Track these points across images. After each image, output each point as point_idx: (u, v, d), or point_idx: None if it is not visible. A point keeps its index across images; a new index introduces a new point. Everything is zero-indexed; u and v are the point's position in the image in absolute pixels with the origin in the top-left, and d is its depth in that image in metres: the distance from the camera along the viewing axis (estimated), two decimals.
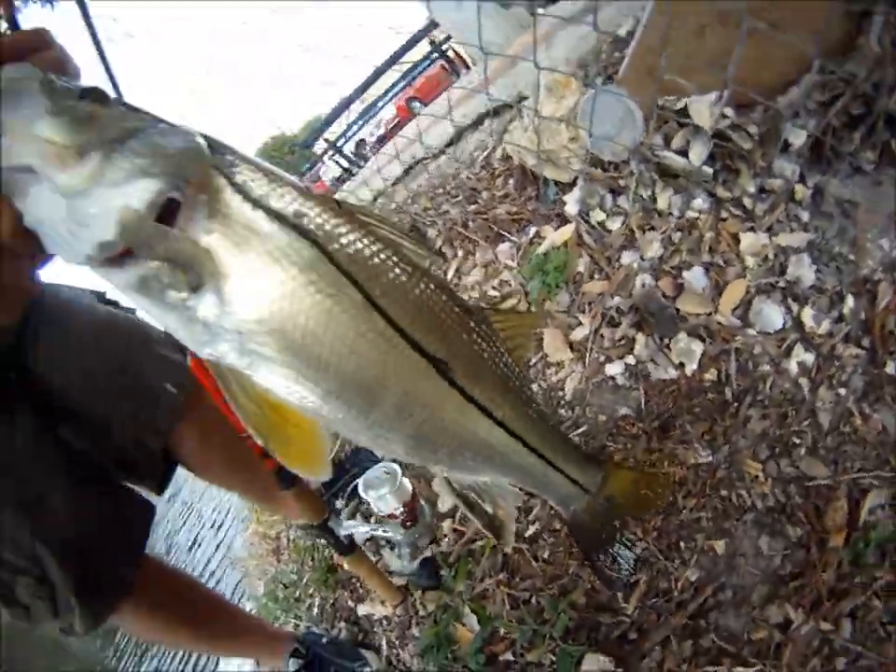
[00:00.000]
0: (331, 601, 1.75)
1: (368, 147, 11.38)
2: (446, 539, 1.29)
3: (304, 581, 2.00)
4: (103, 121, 0.44)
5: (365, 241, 0.47)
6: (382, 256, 0.48)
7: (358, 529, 1.26)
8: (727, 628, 0.80)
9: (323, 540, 1.71)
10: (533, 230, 1.64)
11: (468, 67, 7.65)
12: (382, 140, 11.61)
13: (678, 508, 0.93)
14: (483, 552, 1.19)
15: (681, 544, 0.90)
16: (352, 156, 9.94)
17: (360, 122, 10.68)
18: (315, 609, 1.83)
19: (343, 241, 0.46)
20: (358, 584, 1.65)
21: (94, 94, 0.45)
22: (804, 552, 0.79)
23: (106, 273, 0.45)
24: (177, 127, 0.47)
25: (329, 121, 9.26)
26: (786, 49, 1.03)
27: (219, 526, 4.05)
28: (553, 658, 0.94)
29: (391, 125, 12.13)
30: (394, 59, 7.45)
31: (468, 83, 1.80)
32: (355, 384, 0.47)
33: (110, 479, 1.23)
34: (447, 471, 0.57)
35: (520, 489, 0.60)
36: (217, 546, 3.85)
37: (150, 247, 0.43)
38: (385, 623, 1.43)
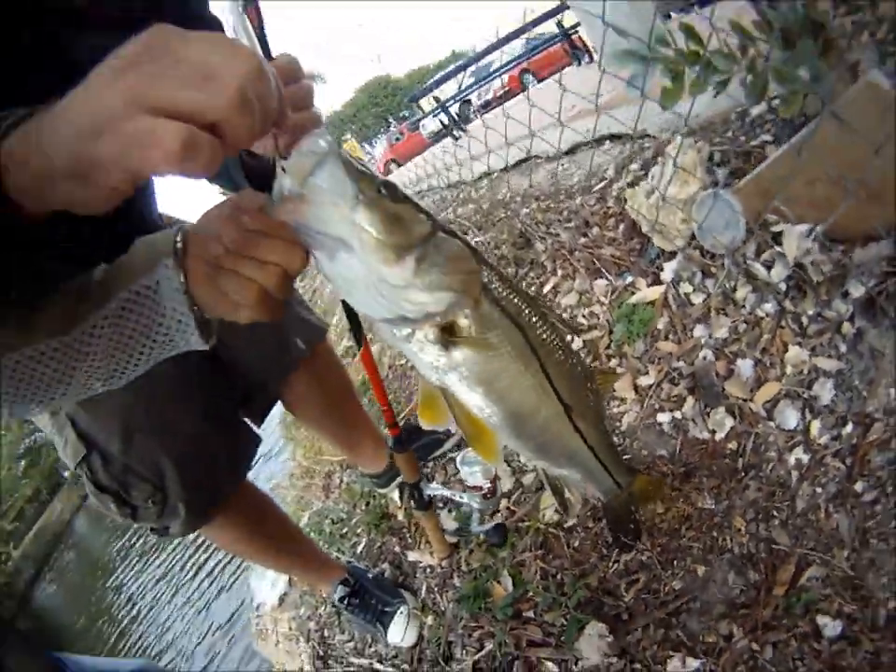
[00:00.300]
0: (378, 544, 2.20)
1: (473, 110, 11.75)
2: (500, 514, 1.79)
3: (354, 521, 2.46)
4: (406, 223, 0.62)
5: (545, 328, 0.75)
6: (552, 337, 0.76)
7: (441, 492, 1.76)
8: (689, 628, 1.26)
9: (382, 490, 2.23)
10: (629, 278, 2.06)
11: (590, 57, 7.91)
12: (487, 105, 12.01)
13: (679, 535, 1.38)
14: (528, 530, 1.67)
15: (675, 562, 1.36)
16: (455, 116, 10.32)
17: (473, 88, 11.09)
18: (360, 548, 2.27)
19: (537, 330, 0.74)
20: (408, 534, 2.16)
21: (388, 189, 0.62)
22: (755, 591, 1.23)
23: (382, 323, 0.67)
24: (450, 238, 0.67)
25: (441, 81, 9.67)
26: (879, 212, 1.42)
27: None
28: (564, 622, 1.42)
29: (500, 93, 12.45)
30: (519, 32, 7.75)
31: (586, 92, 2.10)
32: (522, 415, 0.76)
33: (232, 412, 1.56)
34: (547, 467, 0.92)
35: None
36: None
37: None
38: (428, 570, 1.90)
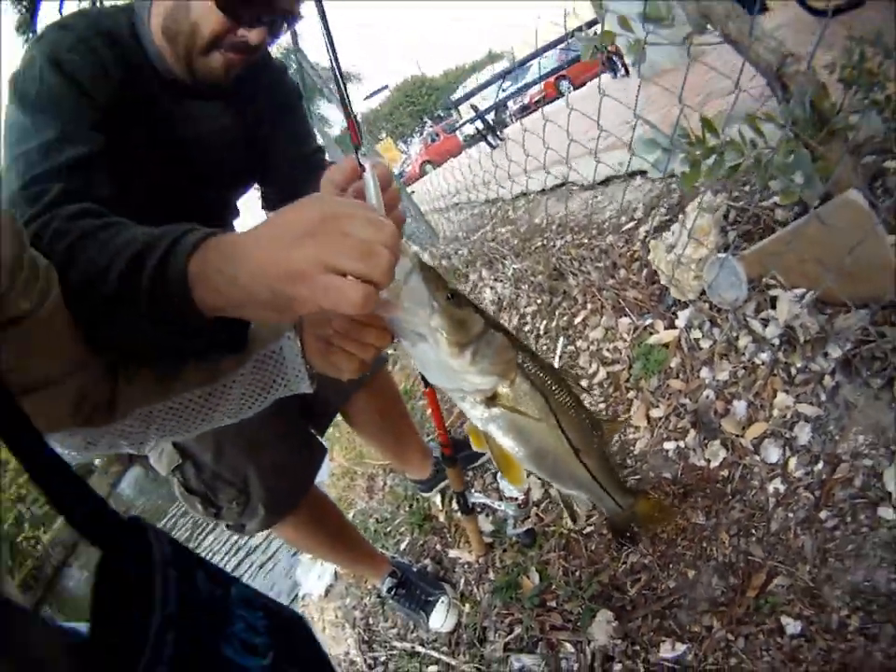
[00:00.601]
0: (421, 542, 2.50)
1: (509, 114, 12.06)
2: (530, 520, 2.12)
3: (397, 521, 2.76)
4: (466, 325, 0.79)
5: (561, 392, 0.91)
6: (566, 399, 0.92)
7: (483, 500, 2.10)
8: (679, 619, 1.58)
9: (425, 494, 2.56)
10: (649, 320, 2.36)
11: (626, 70, 8.16)
12: (524, 109, 12.30)
13: (676, 544, 1.69)
14: (553, 534, 2.01)
15: (671, 565, 1.66)
16: (492, 122, 10.65)
17: (511, 95, 11.40)
18: (404, 545, 2.57)
19: (555, 395, 0.90)
20: (448, 534, 2.48)
21: (455, 297, 0.78)
22: (733, 593, 1.53)
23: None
24: (497, 333, 0.82)
25: (482, 87, 10.01)
26: (854, 289, 1.69)
27: None
28: (580, 610, 1.75)
29: (536, 97, 12.69)
30: (556, 42, 8.03)
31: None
32: (541, 454, 0.94)
33: (303, 426, 1.82)
34: (561, 488, 1.11)
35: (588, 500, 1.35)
36: None
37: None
38: (466, 566, 2.22)
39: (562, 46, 9.07)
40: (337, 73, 1.34)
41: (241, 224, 1.73)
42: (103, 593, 0.48)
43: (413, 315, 0.75)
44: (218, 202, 1.61)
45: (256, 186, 1.70)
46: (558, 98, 10.79)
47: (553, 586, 1.88)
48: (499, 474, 2.14)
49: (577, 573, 1.86)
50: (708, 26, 1.78)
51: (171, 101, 1.32)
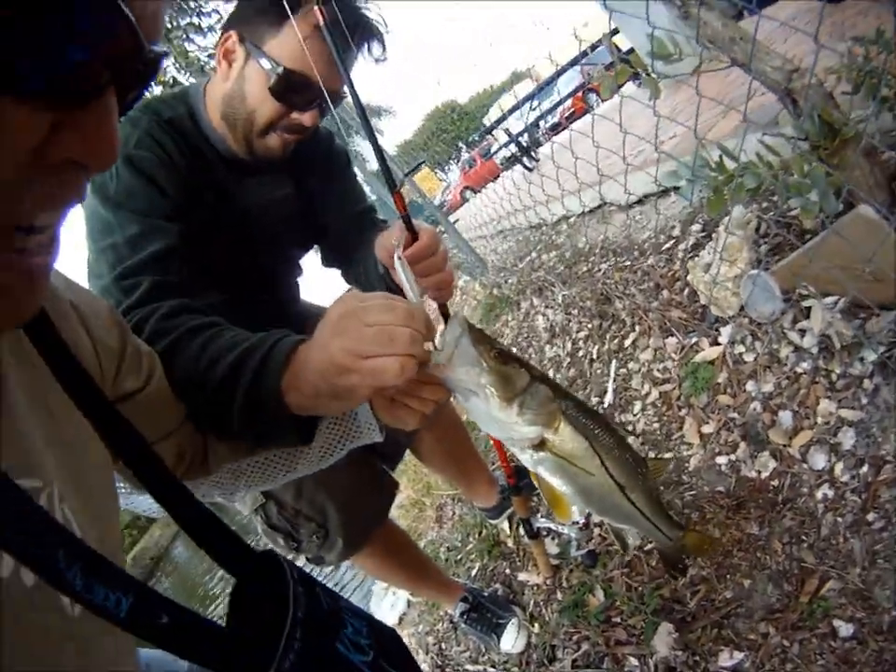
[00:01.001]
0: (491, 567, 2.59)
1: (541, 133, 12.17)
2: (593, 541, 2.21)
3: (467, 548, 2.85)
4: (513, 380, 0.86)
5: (605, 434, 0.94)
6: (609, 440, 0.95)
7: (548, 525, 2.22)
8: (737, 628, 1.63)
9: (493, 521, 2.67)
10: (695, 338, 2.44)
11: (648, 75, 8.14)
12: (555, 127, 12.39)
13: (732, 555, 1.75)
14: (615, 553, 2.09)
15: (727, 576, 1.72)
16: (525, 143, 10.77)
17: (541, 116, 11.54)
18: (474, 572, 2.66)
19: (598, 437, 0.93)
20: (517, 558, 2.57)
21: (501, 355, 0.86)
22: (787, 599, 1.58)
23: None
24: (540, 386, 0.88)
25: (511, 111, 10.18)
26: (882, 291, 1.75)
27: None
28: (643, 624, 1.82)
29: (566, 113, 12.73)
30: (575, 61, 8.11)
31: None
32: (587, 492, 0.97)
33: (376, 462, 1.92)
34: (610, 522, 1.14)
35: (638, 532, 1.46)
36: None
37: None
38: (535, 588, 2.30)
39: (584, 61, 9.15)
40: (384, 173, 1.45)
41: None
42: (239, 604, 0.68)
43: (464, 375, 0.84)
44: (283, 265, 1.77)
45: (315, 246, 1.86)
46: (588, 112, 10.86)
47: (617, 602, 1.95)
48: None
49: (639, 588, 1.93)
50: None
51: (233, 178, 1.48)
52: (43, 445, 0.57)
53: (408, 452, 2.17)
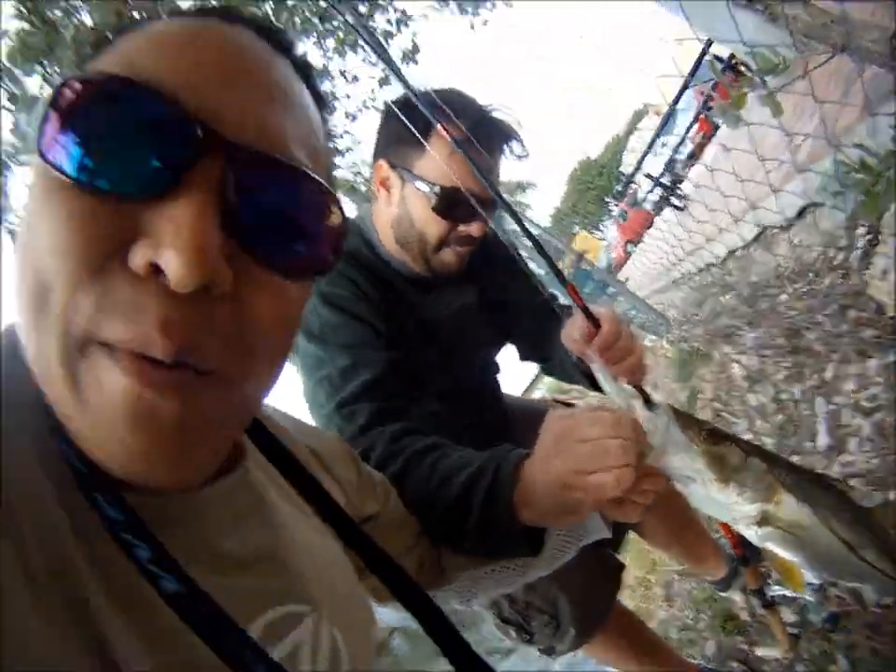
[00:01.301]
0: (726, 644, 2.39)
1: (681, 167, 11.80)
2: (831, 603, 1.99)
3: (700, 625, 2.66)
4: (726, 460, 0.85)
5: (828, 496, 0.92)
6: (832, 500, 0.92)
7: (782, 592, 2.05)
8: None
9: (723, 593, 2.48)
10: (893, 356, 2.22)
11: (763, 83, 7.68)
12: (692, 157, 11.98)
13: None
14: (856, 613, 1.87)
15: None
16: (669, 182, 10.51)
17: (675, 153, 11.26)
18: (707, 650, 2.48)
19: (821, 500, 0.90)
20: (752, 631, 2.38)
21: (711, 435, 0.86)
22: None
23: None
24: (754, 459, 0.86)
25: (642, 158, 10.05)
26: None
27: None
28: None
29: (697, 139, 12.29)
30: (685, 87, 7.89)
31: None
32: (818, 558, 0.93)
33: (601, 547, 1.70)
34: (846, 583, 1.12)
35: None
36: None
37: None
38: (774, 663, 2.13)
39: (692, 83, 8.93)
40: (551, 268, 1.51)
41: None
42: None
43: (679, 462, 0.86)
44: (481, 366, 1.82)
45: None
46: (716, 130, 10.49)
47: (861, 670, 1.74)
48: None
49: (884, 650, 1.71)
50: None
51: (419, 296, 1.56)
52: (309, 569, 0.62)
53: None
